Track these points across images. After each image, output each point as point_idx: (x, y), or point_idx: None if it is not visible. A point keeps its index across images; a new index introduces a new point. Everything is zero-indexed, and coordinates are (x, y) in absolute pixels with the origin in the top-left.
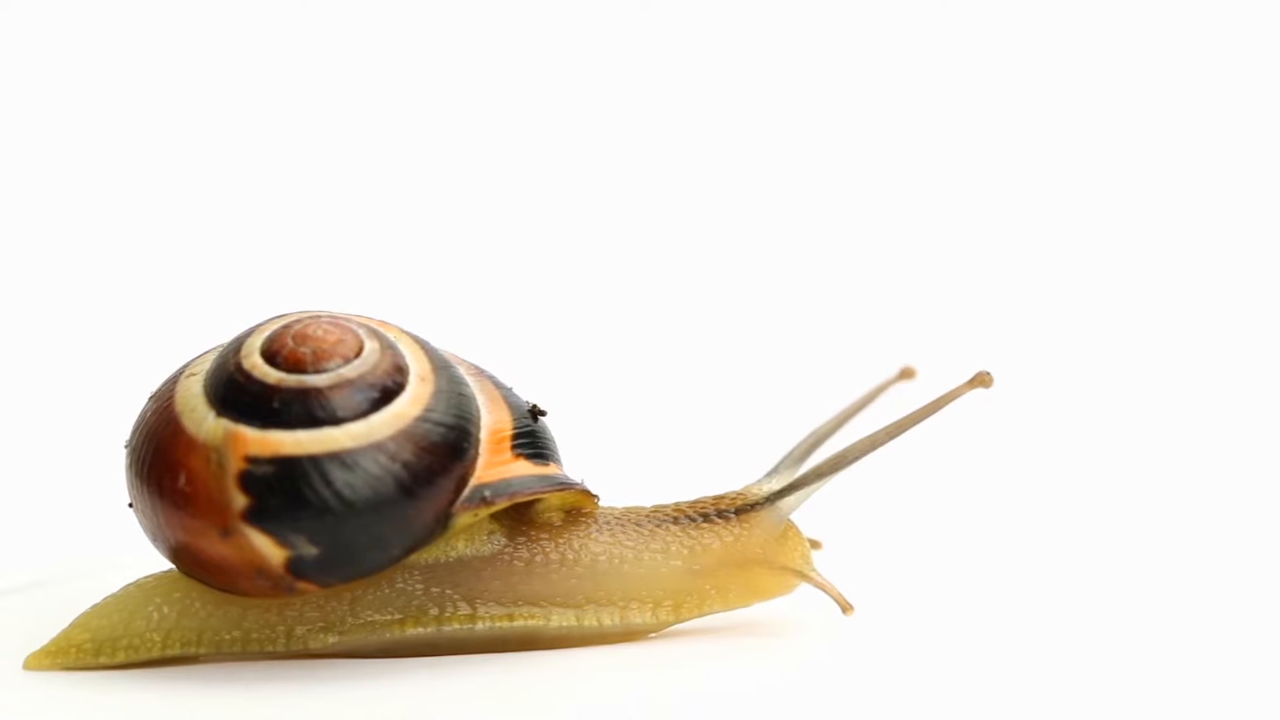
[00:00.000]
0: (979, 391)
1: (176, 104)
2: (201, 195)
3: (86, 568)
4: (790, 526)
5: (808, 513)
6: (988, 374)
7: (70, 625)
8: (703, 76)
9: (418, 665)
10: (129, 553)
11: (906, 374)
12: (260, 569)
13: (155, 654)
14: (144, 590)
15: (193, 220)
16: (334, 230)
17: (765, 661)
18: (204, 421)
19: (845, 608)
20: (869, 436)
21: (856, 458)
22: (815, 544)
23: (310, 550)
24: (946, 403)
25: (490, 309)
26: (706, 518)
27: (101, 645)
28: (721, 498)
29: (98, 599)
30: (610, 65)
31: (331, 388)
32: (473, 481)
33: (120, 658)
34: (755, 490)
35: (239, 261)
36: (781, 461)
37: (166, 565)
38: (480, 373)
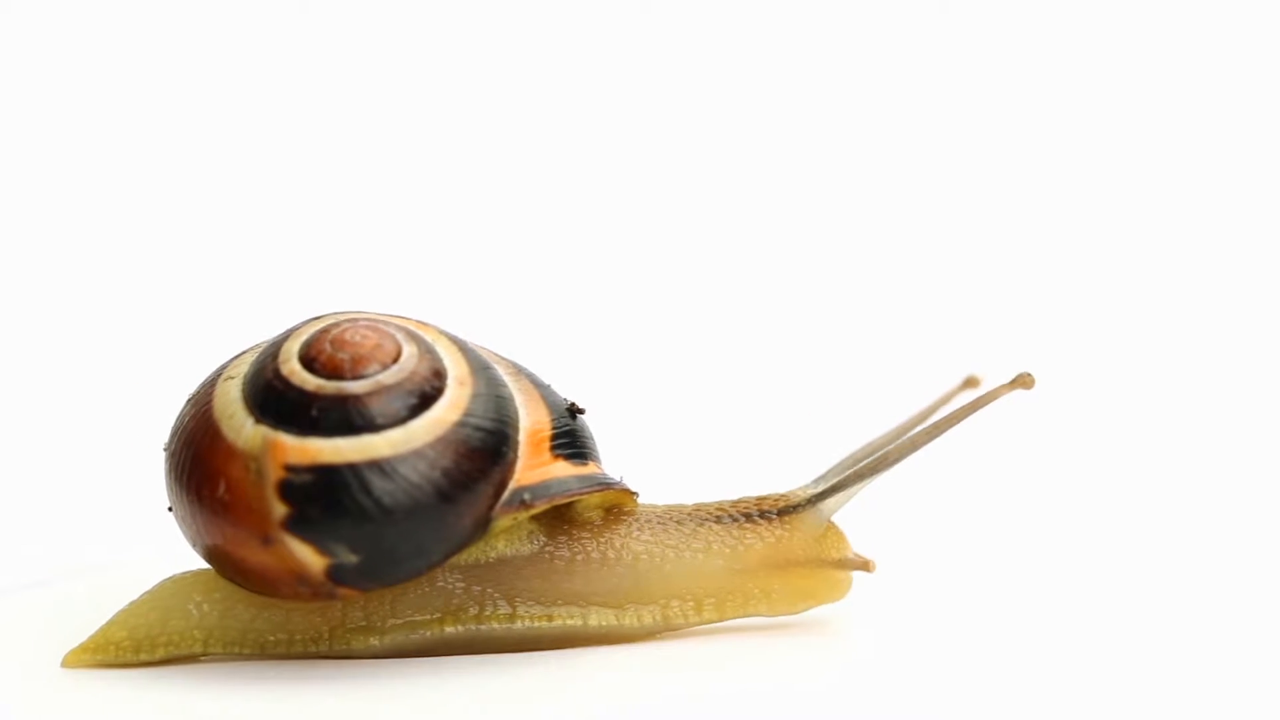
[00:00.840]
0: (1019, 393)
1: (215, 103)
2: (238, 193)
3: (103, 562)
4: (831, 526)
5: (857, 530)
6: (1029, 375)
7: (108, 623)
8: (751, 72)
9: (458, 664)
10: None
11: (970, 383)
12: (301, 576)
13: (197, 650)
14: (181, 586)
15: (230, 218)
16: (371, 227)
17: (805, 658)
18: (242, 428)
19: (866, 566)
20: (909, 438)
21: (897, 459)
22: (868, 566)
23: (350, 558)
24: (986, 403)
25: (528, 304)
26: (749, 517)
27: (140, 643)
28: (764, 499)
29: (116, 595)
30: (651, 59)
31: (370, 394)
32: (512, 484)
33: (160, 654)
34: (798, 492)
35: (275, 259)
36: (831, 470)
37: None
38: (518, 371)
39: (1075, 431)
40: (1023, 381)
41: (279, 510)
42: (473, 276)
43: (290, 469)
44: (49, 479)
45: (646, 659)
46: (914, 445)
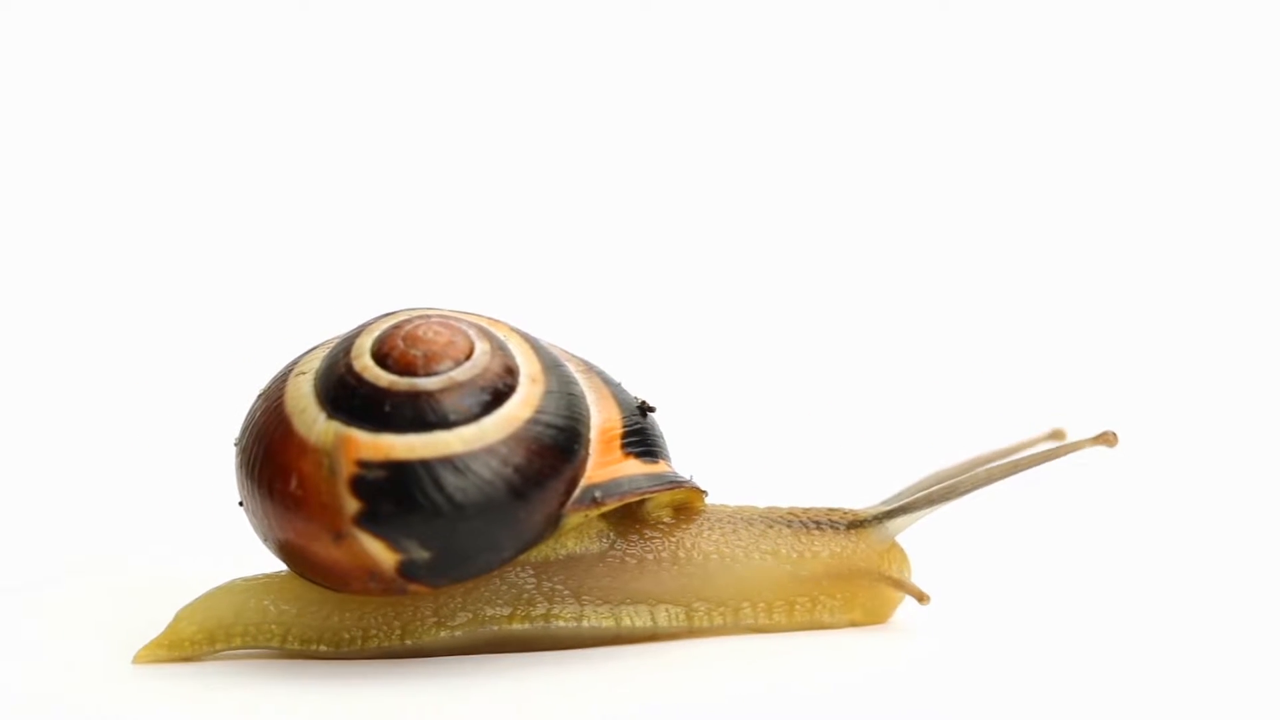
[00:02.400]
0: (1101, 450)
1: (286, 99)
2: (310, 193)
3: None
4: (895, 545)
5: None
6: (1113, 434)
7: (175, 619)
8: (841, 74)
9: (532, 659)
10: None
11: (1056, 435)
12: (372, 572)
13: (275, 644)
14: (254, 586)
15: (301, 217)
16: (444, 224)
17: (868, 657)
18: (315, 424)
19: (920, 597)
20: (985, 471)
21: (968, 490)
22: (922, 597)
23: (422, 554)
24: (1067, 453)
25: (598, 302)
26: (819, 525)
27: (214, 633)
28: (835, 510)
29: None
30: (729, 59)
31: (442, 391)
32: (583, 482)
33: (236, 644)
34: (867, 510)
35: (342, 256)
36: (901, 493)
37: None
38: (589, 369)
39: (1152, 486)
40: (1105, 439)
41: (351, 506)
42: (543, 274)
43: (363, 465)
44: (115, 474)
45: (717, 655)
46: (989, 479)
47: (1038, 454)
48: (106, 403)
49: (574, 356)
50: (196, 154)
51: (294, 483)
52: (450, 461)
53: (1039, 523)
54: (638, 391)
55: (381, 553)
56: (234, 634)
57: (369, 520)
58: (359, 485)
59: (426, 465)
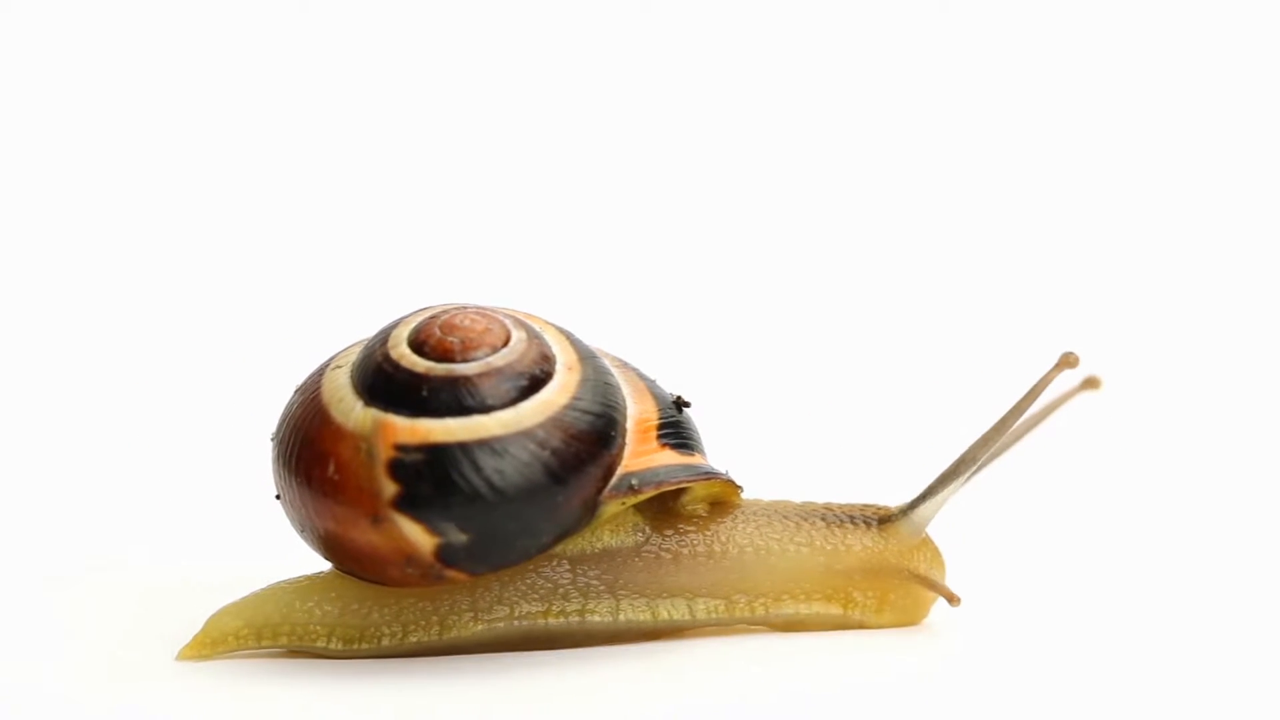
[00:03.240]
0: (1090, 394)
1: (324, 99)
2: (342, 195)
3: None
4: (926, 540)
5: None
6: (1097, 378)
7: (215, 615)
8: (871, 72)
9: (571, 655)
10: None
11: (1068, 362)
12: (410, 557)
13: (319, 646)
14: (297, 589)
15: (335, 220)
16: (476, 226)
17: (898, 654)
18: (352, 411)
19: (951, 599)
20: (982, 436)
21: (973, 459)
22: (954, 599)
23: (460, 537)
24: (1061, 404)
25: (633, 302)
26: (851, 519)
27: (261, 630)
28: (867, 506)
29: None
30: (763, 53)
31: (480, 375)
32: (620, 470)
33: (283, 642)
34: (896, 506)
35: (377, 259)
36: (935, 482)
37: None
38: (624, 365)
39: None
40: (1091, 383)
41: (389, 489)
42: (575, 274)
43: (400, 448)
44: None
45: (747, 654)
46: (986, 442)
47: (1037, 410)
48: (141, 404)
49: (608, 353)
50: (233, 157)
51: (331, 468)
52: (488, 444)
53: (1074, 515)
54: (673, 388)
55: (419, 536)
56: (280, 633)
57: (407, 503)
58: (397, 468)
59: (464, 448)
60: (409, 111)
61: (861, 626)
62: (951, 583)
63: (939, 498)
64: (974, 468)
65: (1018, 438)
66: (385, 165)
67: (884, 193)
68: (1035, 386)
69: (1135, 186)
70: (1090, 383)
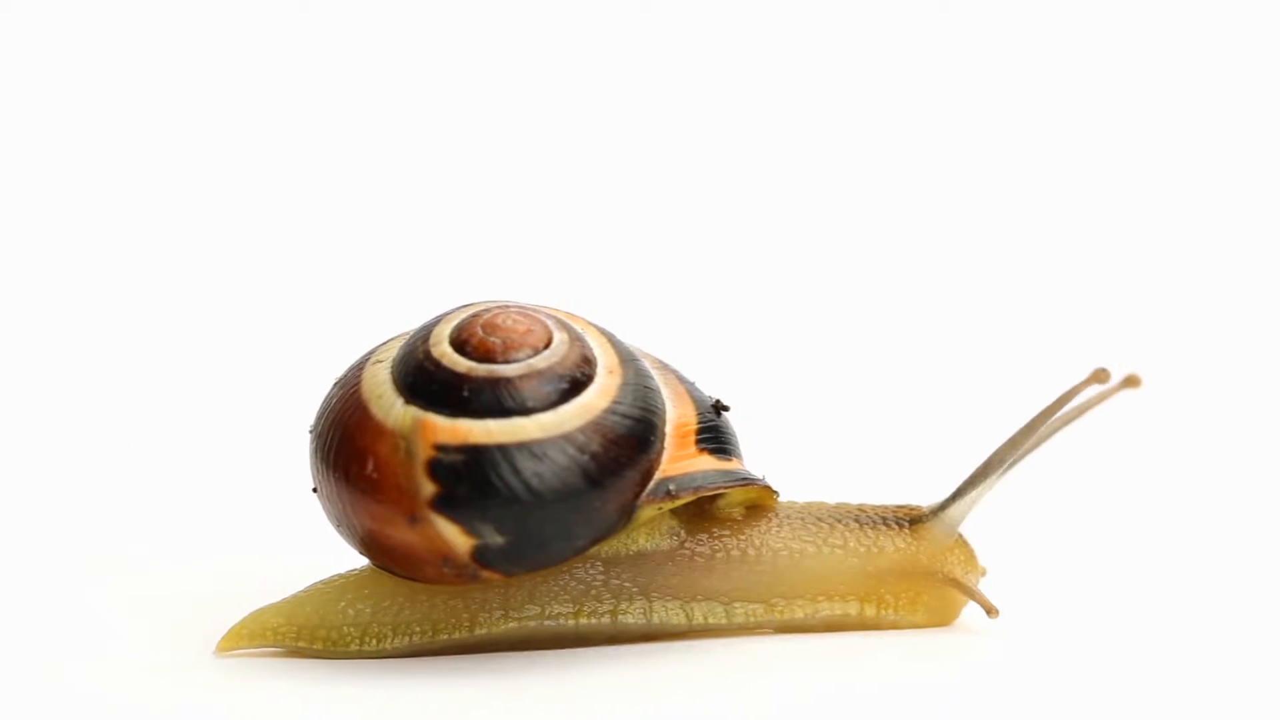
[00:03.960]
0: (1128, 393)
1: (369, 95)
2: (377, 192)
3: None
4: (960, 540)
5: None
6: (1137, 375)
7: (259, 611)
8: (913, 63)
9: (597, 655)
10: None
11: (1099, 378)
12: (446, 557)
13: (352, 649)
14: (334, 588)
15: (373, 217)
16: (515, 223)
17: (931, 660)
18: (392, 408)
19: (990, 610)
20: (1009, 438)
21: (1001, 460)
22: (992, 611)
23: (497, 539)
24: (1095, 405)
25: (672, 303)
26: (885, 521)
27: (300, 630)
28: (901, 507)
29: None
30: (794, 55)
31: (521, 378)
32: (657, 475)
33: (318, 646)
34: (927, 506)
35: (417, 253)
36: (967, 481)
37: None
38: (664, 367)
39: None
40: (1131, 381)
41: (427, 489)
42: (615, 274)
43: (440, 448)
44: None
45: (777, 656)
46: (1014, 445)
47: (1074, 409)
48: (180, 399)
49: (648, 354)
50: (279, 151)
51: (370, 466)
52: (528, 447)
53: (1106, 514)
54: (712, 391)
55: (456, 537)
56: (317, 636)
57: (445, 503)
58: (435, 468)
59: (504, 450)
60: (457, 108)
61: (894, 627)
62: (986, 585)
63: (969, 498)
64: (1004, 468)
65: (1050, 435)
66: (429, 161)
67: (917, 196)
68: (1064, 395)
69: (1172, 185)
70: (1130, 380)
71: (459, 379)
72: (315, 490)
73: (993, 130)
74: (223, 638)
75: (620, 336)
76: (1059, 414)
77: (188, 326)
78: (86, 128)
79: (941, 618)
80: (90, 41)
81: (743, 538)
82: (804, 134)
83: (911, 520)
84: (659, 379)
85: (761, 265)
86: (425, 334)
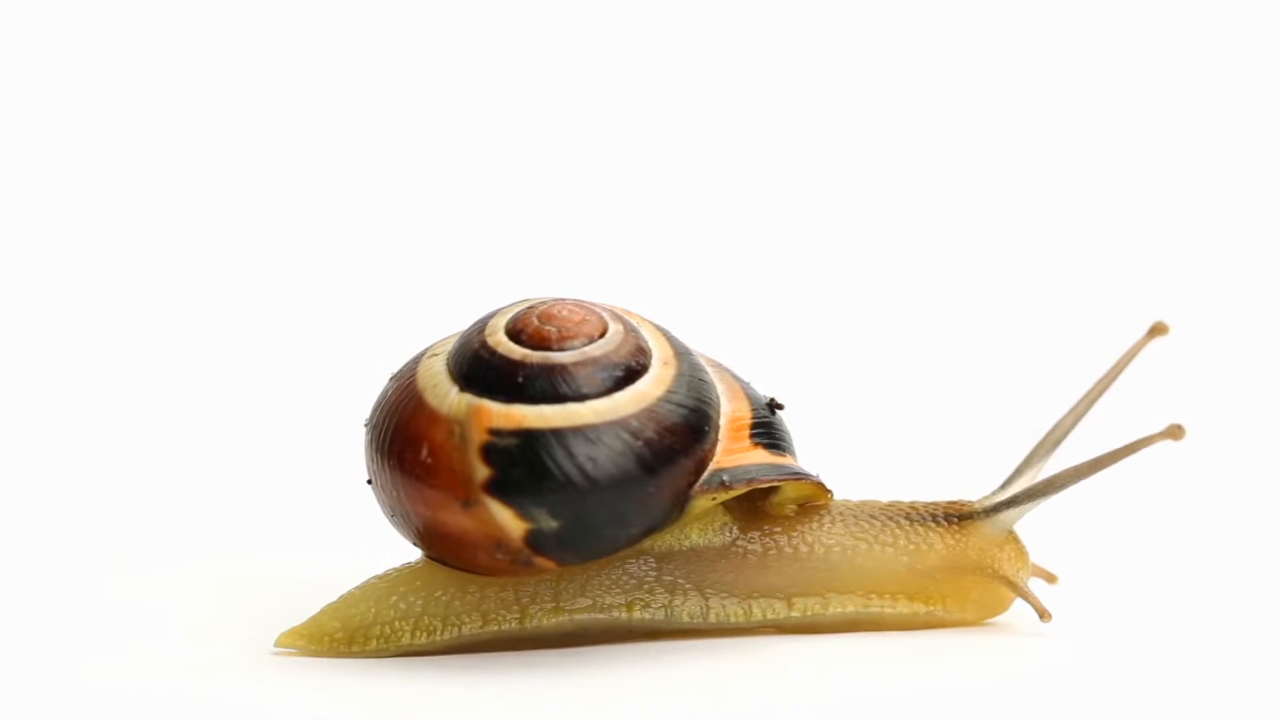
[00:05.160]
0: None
1: (423, 97)
2: (431, 193)
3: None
4: (1012, 538)
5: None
6: (1179, 427)
7: (319, 613)
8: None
9: (649, 650)
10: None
11: (1158, 331)
12: (500, 542)
13: (404, 643)
14: (386, 583)
15: (428, 220)
16: (565, 222)
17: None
18: (447, 396)
19: (1043, 614)
20: (1073, 468)
21: (1065, 484)
22: (1051, 577)
23: (550, 524)
24: (1140, 448)
25: (726, 304)
26: (935, 519)
27: (354, 634)
28: (953, 503)
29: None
30: (850, 54)
31: (576, 364)
32: (711, 465)
33: (372, 646)
34: (980, 501)
35: (467, 256)
36: (1017, 468)
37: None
38: (719, 365)
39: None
40: (1172, 433)
41: (481, 473)
42: (670, 275)
43: (494, 433)
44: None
45: (823, 654)
46: (1077, 474)
47: (1124, 447)
48: (242, 399)
49: (703, 354)
50: (329, 153)
51: (424, 452)
52: (582, 432)
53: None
54: (766, 391)
55: (510, 521)
56: (371, 635)
57: (498, 487)
58: (490, 452)
59: (558, 434)
60: (518, 115)
61: (944, 624)
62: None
63: (1024, 508)
64: (1061, 489)
65: (1111, 464)
66: (482, 165)
67: (971, 194)
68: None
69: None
70: (1171, 432)
71: (514, 365)
72: (370, 482)
73: (1047, 125)
74: (283, 634)
75: (675, 333)
76: (1126, 456)
77: (241, 326)
78: (161, 128)
79: (992, 610)
80: (143, 44)
81: (795, 534)
82: (856, 133)
83: (960, 517)
84: (713, 375)
85: (812, 265)
86: (481, 325)
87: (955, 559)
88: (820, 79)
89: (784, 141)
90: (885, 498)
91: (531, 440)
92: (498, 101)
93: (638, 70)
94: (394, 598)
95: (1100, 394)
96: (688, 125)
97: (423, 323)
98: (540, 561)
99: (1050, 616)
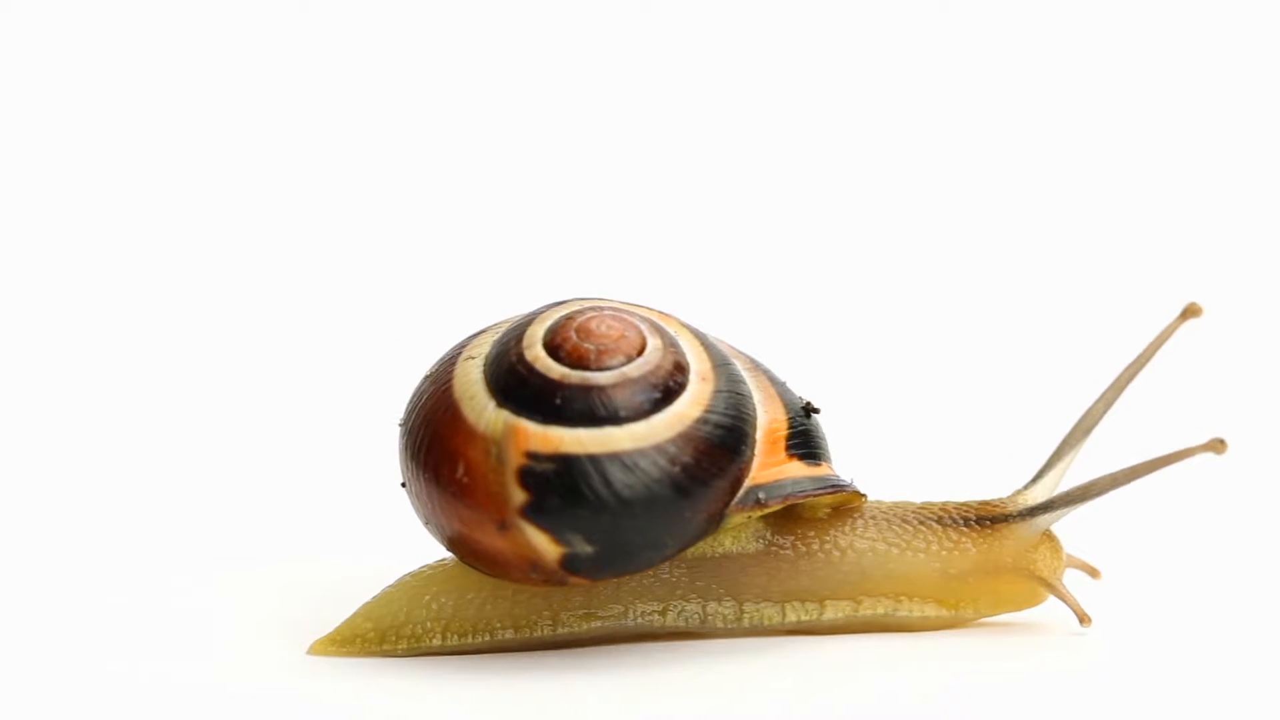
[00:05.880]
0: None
1: (452, 93)
2: (470, 183)
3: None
4: (1047, 536)
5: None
6: (1222, 441)
7: (353, 615)
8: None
9: (683, 649)
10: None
11: (1192, 312)
12: (534, 563)
13: (435, 644)
14: (419, 581)
15: (466, 208)
16: (609, 217)
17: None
18: (484, 411)
19: (1083, 618)
20: (1110, 475)
21: (1101, 492)
22: (1093, 571)
23: (586, 548)
24: (1181, 459)
25: (758, 304)
26: (968, 522)
27: (385, 634)
28: (986, 504)
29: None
30: (882, 54)
31: (614, 386)
32: (747, 483)
33: (402, 646)
34: (1016, 501)
35: (503, 246)
36: (1048, 460)
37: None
38: (756, 367)
39: None
40: (1214, 446)
41: (518, 497)
42: (708, 274)
43: (532, 456)
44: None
45: (856, 656)
46: (1115, 481)
47: (1165, 457)
48: (279, 400)
49: (741, 353)
50: (358, 151)
51: (461, 470)
52: (619, 458)
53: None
54: (802, 391)
55: (545, 545)
56: (402, 635)
57: (535, 512)
58: (527, 476)
59: (595, 460)
60: (552, 107)
61: (975, 621)
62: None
63: (1060, 512)
64: (1098, 496)
65: (1149, 472)
66: (514, 158)
67: (986, 195)
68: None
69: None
70: (1213, 446)
71: (552, 386)
72: (404, 485)
73: (1077, 122)
74: (316, 642)
75: (713, 336)
76: (1165, 466)
77: (273, 326)
78: (194, 130)
79: (1022, 604)
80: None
81: (828, 538)
82: (889, 138)
83: (994, 520)
84: (751, 382)
85: (843, 265)
86: (519, 333)
87: (988, 562)
88: (866, 84)
89: (820, 145)
90: (917, 496)
91: (568, 466)
92: (537, 99)
93: (683, 70)
94: (426, 597)
95: (1131, 379)
96: (732, 126)
97: (457, 319)
98: (574, 580)
99: (1090, 621)
